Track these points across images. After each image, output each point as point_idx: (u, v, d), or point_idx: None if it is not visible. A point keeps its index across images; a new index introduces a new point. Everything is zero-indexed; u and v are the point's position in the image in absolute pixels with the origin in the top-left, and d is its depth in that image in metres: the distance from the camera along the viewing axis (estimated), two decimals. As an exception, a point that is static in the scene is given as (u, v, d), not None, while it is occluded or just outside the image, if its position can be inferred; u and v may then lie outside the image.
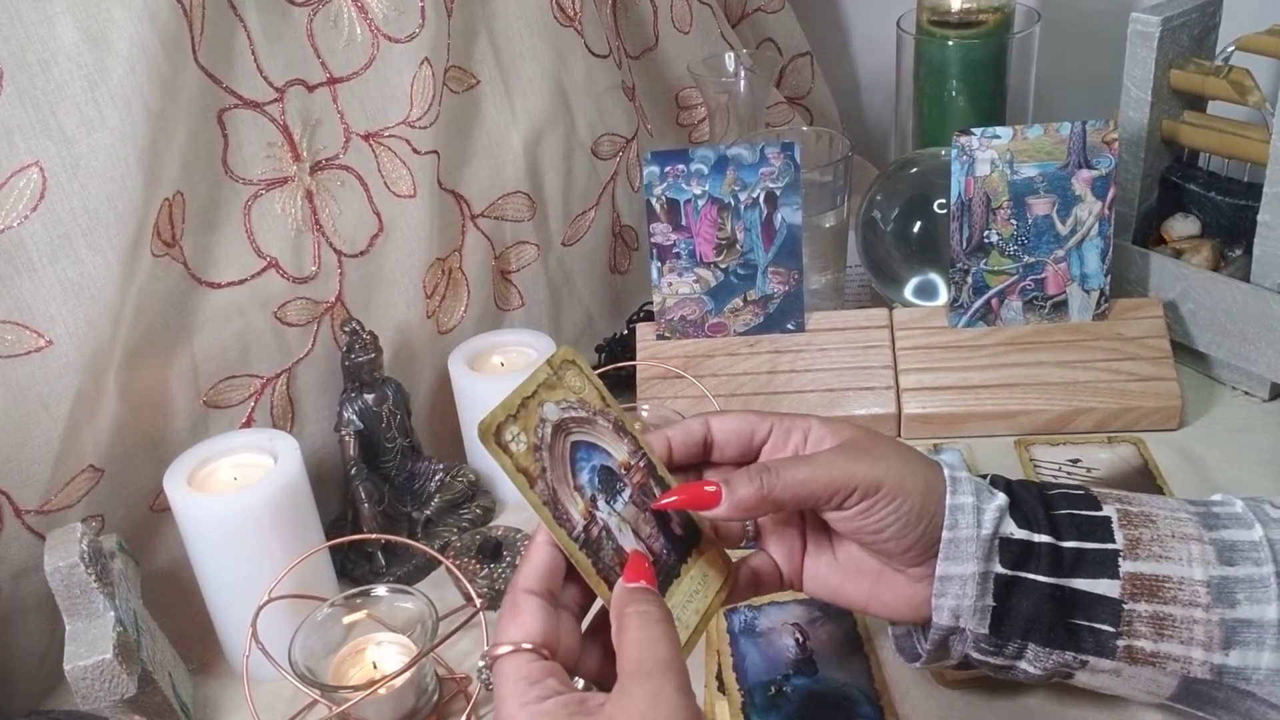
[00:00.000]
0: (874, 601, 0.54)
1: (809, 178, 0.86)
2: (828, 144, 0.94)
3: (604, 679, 0.47)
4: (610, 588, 0.46)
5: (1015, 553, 0.51)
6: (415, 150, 0.79)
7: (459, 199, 0.85)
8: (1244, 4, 0.85)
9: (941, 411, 0.82)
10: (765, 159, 0.83)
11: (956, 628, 0.52)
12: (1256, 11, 0.83)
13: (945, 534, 0.50)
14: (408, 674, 0.61)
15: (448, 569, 0.70)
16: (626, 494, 0.49)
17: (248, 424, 0.75)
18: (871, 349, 0.85)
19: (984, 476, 0.54)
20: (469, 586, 0.68)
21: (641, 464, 0.50)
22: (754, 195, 0.84)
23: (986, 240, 0.80)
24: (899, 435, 0.83)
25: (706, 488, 0.48)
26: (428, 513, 0.78)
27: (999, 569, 0.51)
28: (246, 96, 0.72)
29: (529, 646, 0.44)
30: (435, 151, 0.80)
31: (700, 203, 0.84)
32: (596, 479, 0.48)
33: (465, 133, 0.85)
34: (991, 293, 0.82)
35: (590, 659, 0.47)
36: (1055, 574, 0.51)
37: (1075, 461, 0.78)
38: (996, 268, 0.81)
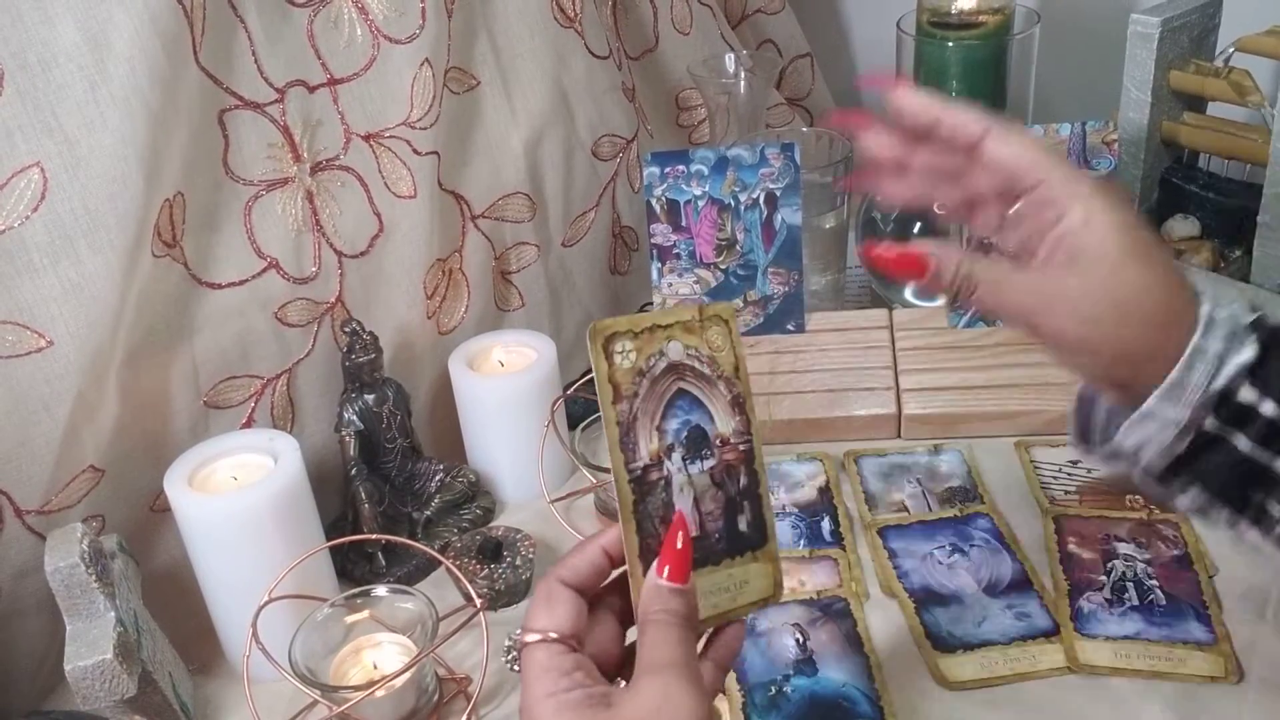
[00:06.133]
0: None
1: (809, 179, 0.86)
2: (828, 145, 0.94)
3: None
4: (639, 531, 0.45)
5: (1233, 413, 0.47)
6: (416, 151, 0.79)
7: (459, 200, 0.85)
8: (1244, 5, 0.85)
9: (941, 412, 0.82)
10: (765, 160, 0.83)
11: (1134, 455, 0.49)
12: (1256, 12, 0.83)
13: (1175, 374, 0.46)
14: (408, 674, 0.62)
15: (448, 569, 0.70)
16: (708, 464, 0.47)
17: (248, 424, 0.75)
18: (871, 349, 0.85)
19: (1255, 315, 0.48)
20: (469, 587, 0.68)
21: (742, 448, 0.48)
22: (754, 196, 0.84)
23: (987, 239, 0.80)
24: (898, 436, 0.83)
25: (916, 256, 0.50)
26: (428, 513, 0.78)
27: (1208, 425, 0.47)
28: (247, 97, 0.72)
29: (555, 636, 0.44)
30: (435, 152, 0.80)
31: (700, 203, 0.84)
32: (685, 433, 0.46)
33: (465, 133, 0.85)
34: None
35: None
36: (1263, 445, 0.47)
37: (1075, 463, 0.78)
38: None
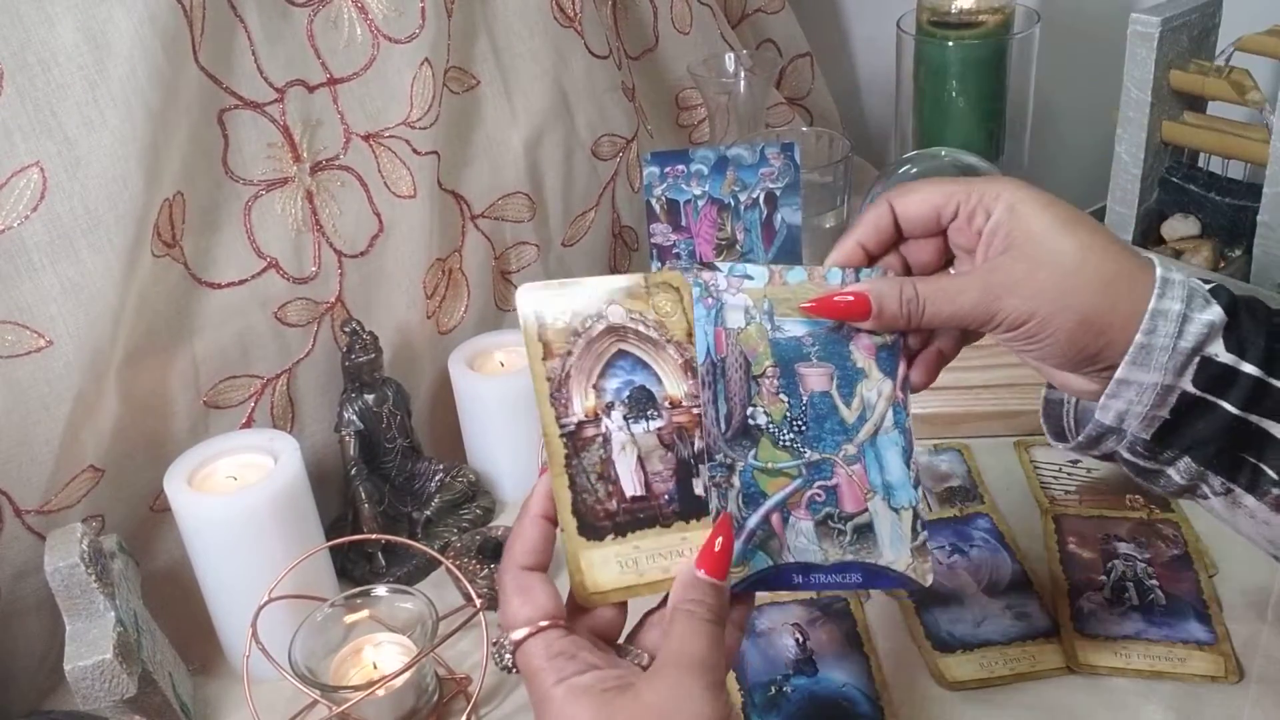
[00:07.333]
0: (1042, 371, 0.52)
1: (809, 178, 0.86)
2: (828, 145, 0.94)
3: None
4: (571, 487, 0.45)
5: (1212, 375, 0.47)
6: (415, 151, 0.79)
7: (459, 199, 0.85)
8: (1244, 4, 0.85)
9: (941, 411, 0.82)
10: (765, 159, 0.83)
11: (1118, 430, 0.49)
12: (1256, 11, 0.83)
13: (1140, 338, 0.46)
14: (408, 674, 0.62)
15: (448, 569, 0.70)
16: (656, 424, 0.47)
17: (248, 424, 0.75)
18: (871, 350, 0.84)
19: (1210, 285, 0.49)
20: (469, 587, 0.68)
21: (695, 411, 0.48)
22: (754, 196, 0.84)
23: (751, 422, 0.52)
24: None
25: (853, 298, 0.49)
26: (428, 513, 0.78)
27: (1188, 387, 0.47)
28: (247, 97, 0.72)
29: (545, 624, 0.44)
30: (435, 152, 0.80)
31: (700, 203, 0.84)
32: (626, 392, 0.47)
33: (465, 133, 0.85)
34: (770, 504, 0.51)
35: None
36: (1249, 408, 0.47)
37: (1075, 462, 0.78)
38: (771, 463, 0.52)
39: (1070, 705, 0.60)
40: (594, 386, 0.46)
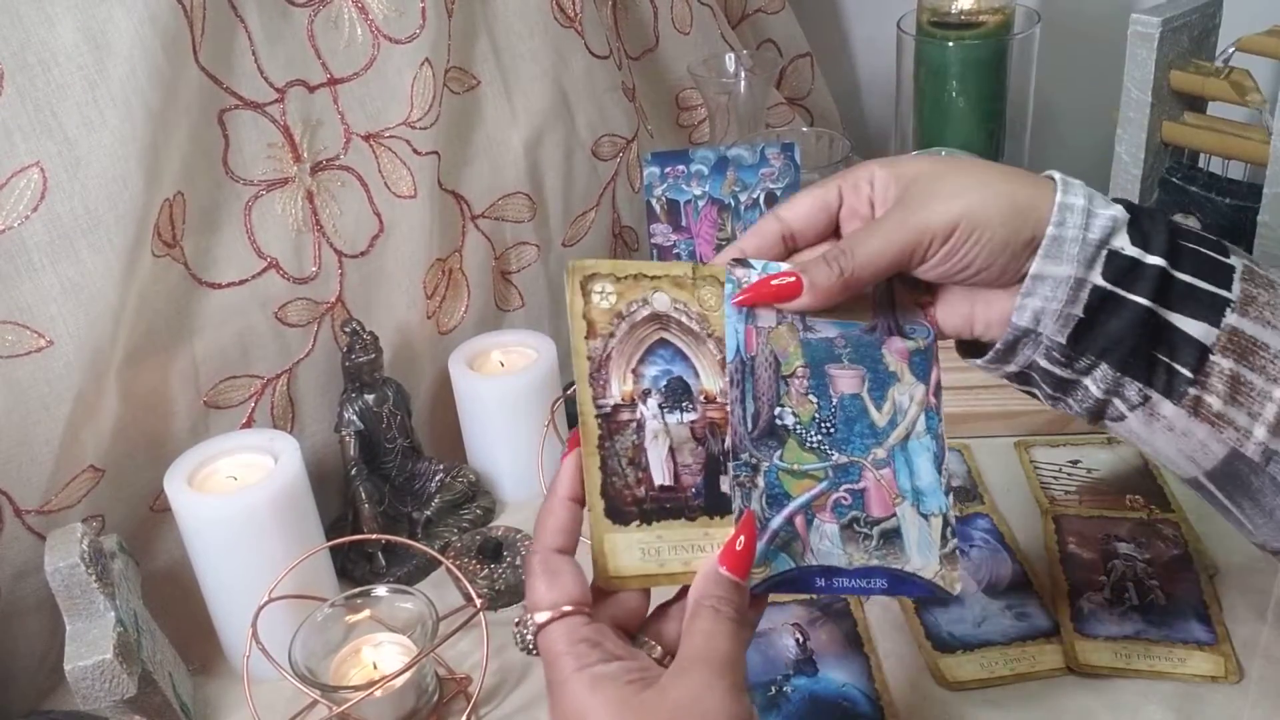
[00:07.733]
0: (975, 323, 0.52)
1: (809, 178, 0.86)
2: (828, 145, 0.94)
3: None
4: (602, 468, 0.45)
5: (1120, 268, 0.48)
6: (416, 151, 0.79)
7: (459, 199, 0.85)
8: (1244, 4, 0.85)
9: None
10: (765, 160, 0.83)
11: (1033, 331, 0.49)
12: (1256, 12, 0.83)
13: (1050, 230, 0.47)
14: (408, 674, 0.62)
15: (448, 569, 0.70)
16: (690, 416, 0.47)
17: (248, 424, 0.75)
18: (871, 350, 0.84)
19: (1117, 201, 0.50)
20: (469, 587, 0.68)
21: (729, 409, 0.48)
22: (754, 196, 0.84)
23: (779, 422, 0.52)
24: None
25: (785, 278, 0.48)
26: (428, 513, 0.78)
27: (1099, 280, 0.48)
28: (247, 97, 0.72)
29: (570, 609, 0.43)
30: (435, 152, 0.80)
31: (700, 203, 0.84)
32: (664, 382, 0.47)
33: (465, 133, 0.85)
34: (794, 505, 0.51)
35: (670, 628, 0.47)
36: (1157, 300, 0.48)
37: (1075, 463, 0.78)
38: (797, 465, 0.51)
39: (1070, 705, 0.60)
40: (633, 371, 0.46)
